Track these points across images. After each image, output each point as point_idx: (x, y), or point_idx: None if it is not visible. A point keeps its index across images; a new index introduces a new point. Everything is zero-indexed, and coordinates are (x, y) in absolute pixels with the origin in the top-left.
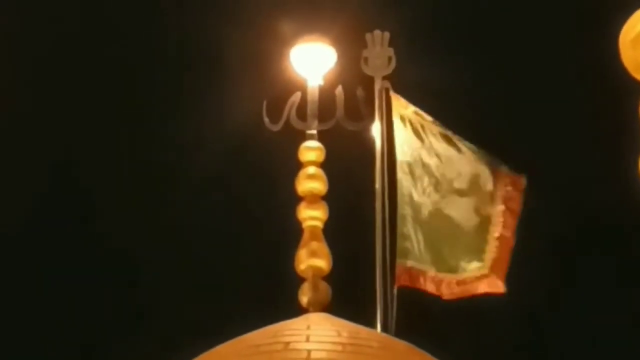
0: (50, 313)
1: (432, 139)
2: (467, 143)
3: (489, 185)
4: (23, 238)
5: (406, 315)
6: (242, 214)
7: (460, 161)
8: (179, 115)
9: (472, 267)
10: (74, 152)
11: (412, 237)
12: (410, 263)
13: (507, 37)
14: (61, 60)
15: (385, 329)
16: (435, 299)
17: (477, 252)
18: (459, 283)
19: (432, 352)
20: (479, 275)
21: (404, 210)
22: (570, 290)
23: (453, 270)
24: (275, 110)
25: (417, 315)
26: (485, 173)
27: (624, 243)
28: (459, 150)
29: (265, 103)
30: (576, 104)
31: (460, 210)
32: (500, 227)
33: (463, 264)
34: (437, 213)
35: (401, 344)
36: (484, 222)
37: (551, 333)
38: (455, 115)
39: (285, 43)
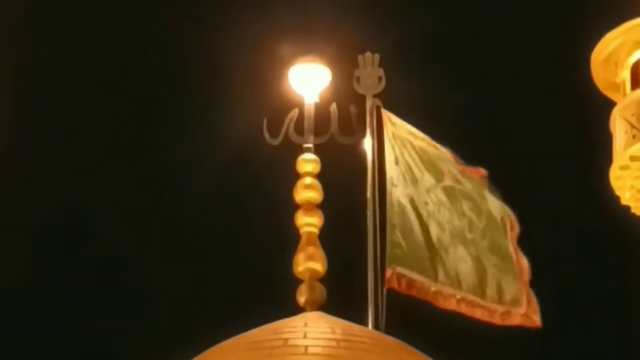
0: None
1: (422, 156)
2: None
3: (495, 211)
4: (39, 245)
5: (396, 314)
6: (243, 220)
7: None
8: (185, 131)
9: (508, 301)
10: (87, 165)
11: (402, 245)
12: (399, 269)
13: (491, 59)
14: (73, 76)
15: (376, 326)
16: (424, 301)
17: (510, 282)
18: (489, 310)
19: (419, 347)
20: (514, 311)
21: (394, 219)
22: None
23: (480, 295)
24: (275, 126)
25: (406, 313)
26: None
27: (601, 246)
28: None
29: (265, 119)
30: (553, 119)
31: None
32: (518, 257)
33: (495, 294)
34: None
35: (390, 340)
36: (505, 251)
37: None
38: (441, 130)
39: (284, 64)
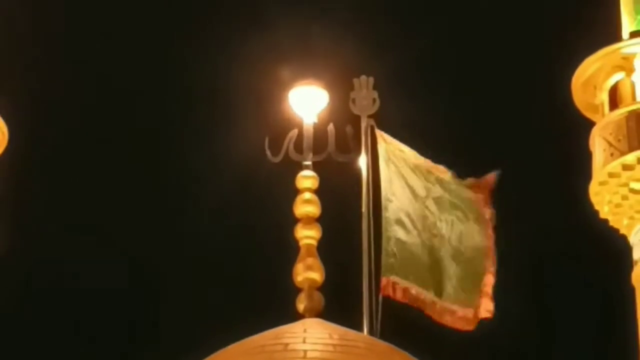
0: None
1: (414, 171)
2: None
3: (476, 209)
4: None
5: (390, 320)
6: (246, 233)
7: (451, 192)
8: (192, 150)
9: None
10: (102, 183)
11: (397, 255)
12: (394, 278)
13: (479, 83)
14: (94, 98)
15: (370, 332)
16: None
17: (475, 291)
18: (452, 314)
19: (411, 352)
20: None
21: (388, 231)
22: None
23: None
24: (276, 144)
25: (399, 320)
26: (469, 199)
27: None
28: (441, 183)
29: (267, 138)
30: (537, 138)
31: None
32: (490, 260)
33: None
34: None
35: (384, 345)
36: (480, 256)
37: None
38: (432, 148)
39: (284, 86)
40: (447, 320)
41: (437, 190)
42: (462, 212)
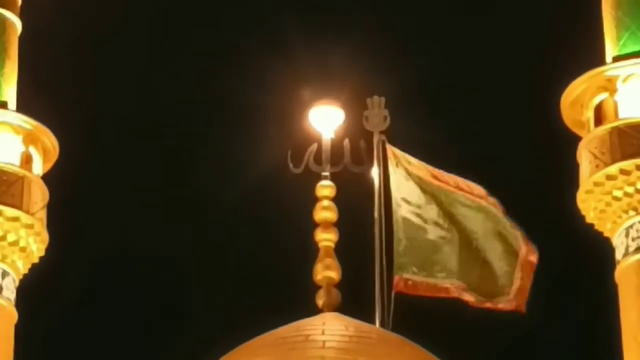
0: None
1: (423, 180)
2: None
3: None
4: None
5: (401, 315)
6: (271, 236)
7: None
8: (222, 161)
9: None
10: (141, 187)
11: (407, 254)
12: (405, 275)
13: (478, 103)
14: (130, 117)
15: (382, 325)
16: (424, 304)
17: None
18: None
19: (420, 344)
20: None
21: (399, 233)
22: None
23: (472, 286)
24: (297, 157)
25: (409, 315)
26: (491, 209)
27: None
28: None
29: (289, 152)
30: (531, 151)
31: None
32: (525, 253)
33: (494, 288)
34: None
35: (394, 337)
36: (509, 249)
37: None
38: (438, 160)
39: (305, 106)
40: (468, 298)
41: (443, 197)
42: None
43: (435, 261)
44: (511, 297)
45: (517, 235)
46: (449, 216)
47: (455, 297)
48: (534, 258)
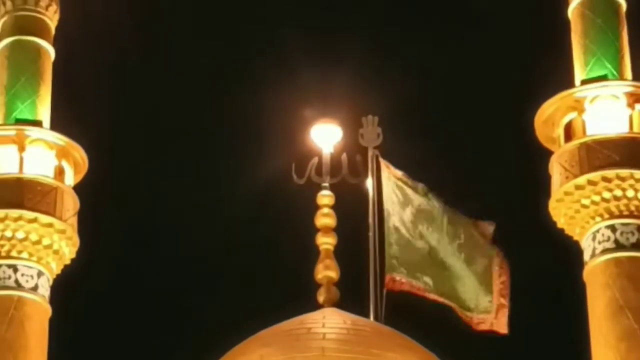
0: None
1: (412, 194)
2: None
3: (475, 234)
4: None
5: (392, 310)
6: (276, 240)
7: (439, 213)
8: (231, 173)
9: (481, 309)
10: (160, 198)
11: (398, 257)
12: (395, 275)
13: (462, 121)
14: (149, 131)
15: (376, 319)
16: (413, 301)
17: (484, 296)
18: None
19: (410, 335)
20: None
21: (390, 238)
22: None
23: (460, 303)
24: (300, 170)
25: (399, 311)
26: (462, 224)
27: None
28: (433, 204)
29: (293, 164)
30: (508, 164)
31: (462, 255)
32: (499, 274)
33: (472, 303)
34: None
35: (387, 329)
36: (487, 268)
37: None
38: (426, 173)
39: (307, 123)
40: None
41: (429, 204)
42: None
43: (422, 268)
44: (493, 316)
45: (492, 256)
46: (433, 228)
47: (437, 300)
48: (505, 277)
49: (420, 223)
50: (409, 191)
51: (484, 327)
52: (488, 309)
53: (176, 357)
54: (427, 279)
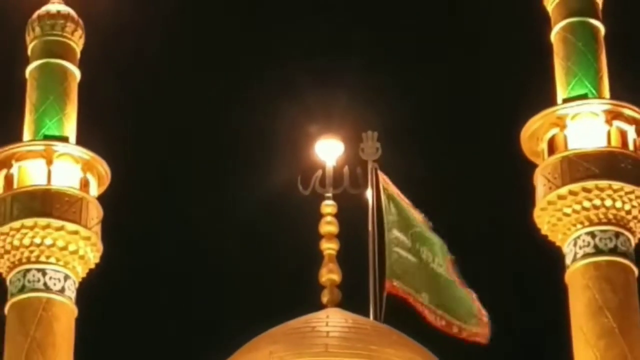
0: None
1: (402, 205)
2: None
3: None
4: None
5: (390, 310)
6: (284, 245)
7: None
8: (240, 185)
9: (469, 323)
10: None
11: (397, 267)
12: (396, 282)
13: (455, 135)
14: (165, 141)
15: (375, 318)
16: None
17: (468, 315)
18: (452, 326)
19: (406, 333)
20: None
21: (391, 245)
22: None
23: (449, 312)
24: (306, 181)
25: (397, 310)
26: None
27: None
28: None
29: (299, 177)
30: (496, 176)
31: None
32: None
33: (460, 314)
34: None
35: (385, 328)
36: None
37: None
38: (421, 185)
39: (312, 139)
40: (437, 323)
41: (417, 226)
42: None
43: (416, 280)
44: (479, 327)
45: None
46: (422, 243)
47: (430, 320)
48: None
49: (418, 241)
50: (408, 213)
51: (471, 337)
52: (475, 322)
53: (190, 354)
54: (425, 295)
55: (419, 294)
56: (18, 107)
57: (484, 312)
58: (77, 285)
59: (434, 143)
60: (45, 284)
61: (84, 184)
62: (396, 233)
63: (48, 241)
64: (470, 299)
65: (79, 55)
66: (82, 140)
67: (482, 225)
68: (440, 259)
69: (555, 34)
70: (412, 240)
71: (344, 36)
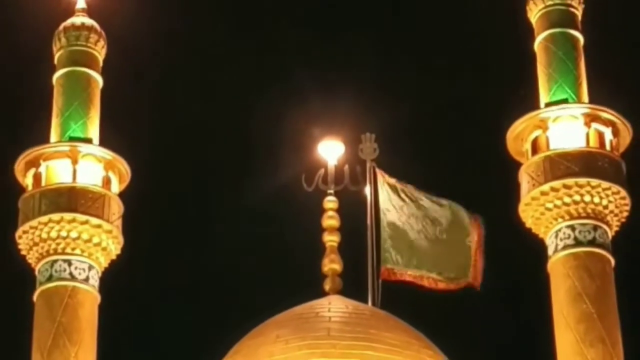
0: None
1: (408, 196)
2: (433, 198)
3: (465, 220)
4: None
5: (386, 296)
6: (290, 238)
7: (433, 208)
8: (249, 182)
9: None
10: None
11: (391, 250)
12: (389, 266)
13: (447, 136)
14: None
15: (374, 304)
16: (404, 289)
17: (464, 269)
18: (442, 283)
19: (401, 317)
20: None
21: (385, 234)
22: None
23: (440, 274)
24: (309, 179)
25: (393, 296)
26: (460, 214)
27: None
28: (426, 202)
29: (303, 175)
30: (485, 174)
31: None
32: (475, 248)
33: (451, 274)
34: (427, 239)
35: (382, 313)
36: (466, 246)
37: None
38: (415, 180)
39: (315, 140)
40: (432, 285)
41: (418, 207)
42: (438, 218)
43: (412, 255)
44: (469, 279)
45: (470, 222)
46: (421, 213)
47: (426, 285)
48: (480, 234)
49: (413, 217)
50: (402, 195)
51: (457, 287)
52: (466, 274)
53: (202, 337)
54: (414, 261)
55: (408, 267)
56: (45, 112)
57: (477, 256)
58: (99, 274)
59: (427, 144)
60: (70, 273)
61: (106, 182)
62: (391, 217)
63: (73, 234)
64: (469, 252)
65: (101, 64)
66: (105, 141)
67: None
68: (445, 227)
69: (538, 44)
70: (409, 217)
71: (345, 49)
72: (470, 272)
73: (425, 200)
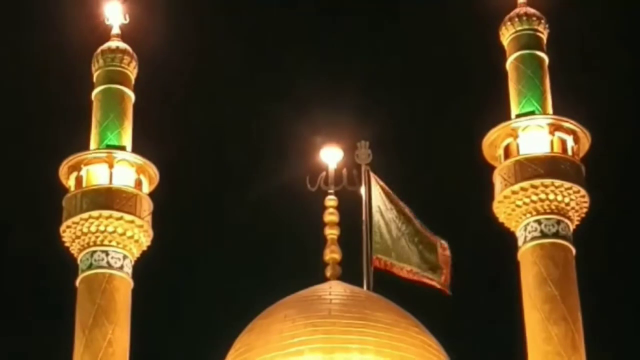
0: None
1: (392, 201)
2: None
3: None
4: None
5: (378, 282)
6: (295, 231)
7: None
8: (259, 184)
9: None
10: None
11: (380, 242)
12: (379, 256)
13: (430, 143)
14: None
15: (368, 288)
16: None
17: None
18: (418, 275)
19: (392, 300)
20: (435, 279)
21: (375, 228)
22: None
23: (418, 267)
24: (313, 180)
25: (382, 283)
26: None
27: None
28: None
29: (307, 177)
30: (463, 176)
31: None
32: (442, 251)
33: (425, 266)
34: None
35: (376, 296)
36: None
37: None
38: (402, 183)
39: (317, 146)
40: (411, 277)
41: (401, 213)
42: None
43: (394, 249)
44: (442, 280)
45: (435, 242)
46: (403, 218)
47: (403, 276)
48: (447, 252)
49: (398, 220)
50: (389, 198)
51: (432, 284)
52: (438, 273)
53: (220, 316)
54: (393, 254)
55: (391, 258)
56: (85, 123)
57: (444, 269)
58: (133, 263)
59: (414, 150)
60: (108, 262)
61: (138, 183)
62: (382, 215)
63: (110, 229)
64: (435, 255)
65: (133, 82)
66: (136, 148)
67: (452, 215)
68: (414, 233)
69: (509, 63)
70: (397, 220)
71: (346, 65)
72: (439, 272)
73: (406, 210)
